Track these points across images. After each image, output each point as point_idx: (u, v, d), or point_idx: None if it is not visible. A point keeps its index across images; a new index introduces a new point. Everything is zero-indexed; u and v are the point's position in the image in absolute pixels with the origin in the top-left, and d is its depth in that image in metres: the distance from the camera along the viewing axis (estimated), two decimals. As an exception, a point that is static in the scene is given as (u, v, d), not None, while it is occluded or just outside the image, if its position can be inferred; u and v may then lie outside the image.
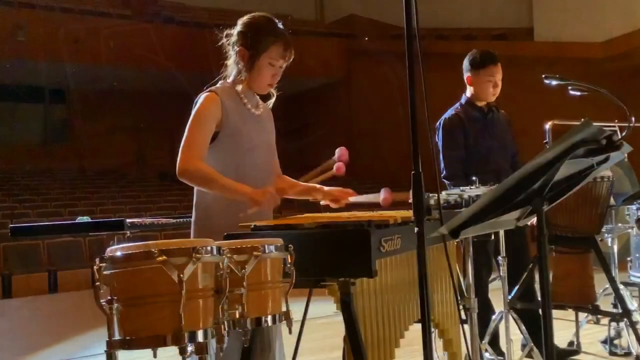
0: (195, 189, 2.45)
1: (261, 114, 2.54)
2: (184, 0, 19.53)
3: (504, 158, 3.80)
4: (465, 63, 3.77)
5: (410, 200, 1.76)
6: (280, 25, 2.48)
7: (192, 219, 2.47)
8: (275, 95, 2.58)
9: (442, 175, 3.69)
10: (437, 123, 3.77)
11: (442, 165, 3.70)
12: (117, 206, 13.83)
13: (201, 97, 2.42)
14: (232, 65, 2.50)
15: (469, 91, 3.80)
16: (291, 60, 2.49)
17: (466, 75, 3.78)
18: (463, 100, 3.82)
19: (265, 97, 2.60)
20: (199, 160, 2.32)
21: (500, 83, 3.75)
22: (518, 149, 3.94)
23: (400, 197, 2.37)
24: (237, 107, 2.44)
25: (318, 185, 2.63)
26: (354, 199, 2.56)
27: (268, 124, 2.59)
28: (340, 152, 2.52)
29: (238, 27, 2.49)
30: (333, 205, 2.59)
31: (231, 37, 2.49)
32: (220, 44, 2.52)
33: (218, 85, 2.50)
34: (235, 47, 2.46)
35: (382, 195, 2.41)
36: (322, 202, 2.63)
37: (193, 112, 2.40)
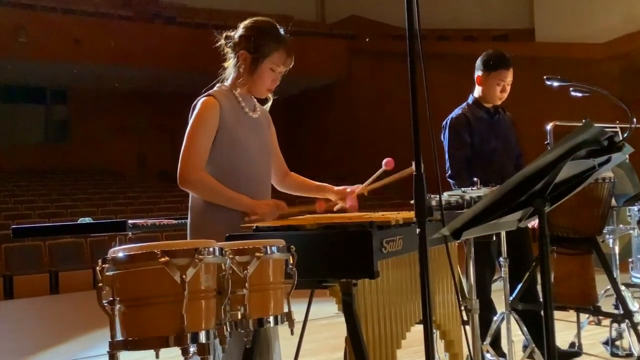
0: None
1: (258, 117, 2.54)
2: (185, 1, 19.55)
3: (509, 159, 3.79)
4: (478, 62, 3.76)
5: (412, 202, 1.76)
6: (282, 31, 2.48)
7: (188, 222, 2.47)
8: (272, 99, 2.59)
9: (446, 174, 3.68)
10: (444, 122, 3.76)
11: (447, 164, 3.70)
12: (118, 207, 13.85)
13: (199, 102, 2.41)
14: (230, 68, 2.49)
15: (477, 91, 3.79)
16: (291, 66, 2.49)
17: (477, 74, 3.76)
18: (470, 100, 3.81)
19: (262, 101, 2.60)
20: (200, 170, 2.34)
21: (509, 88, 3.73)
22: (522, 150, 3.93)
23: (404, 173, 2.39)
24: (235, 111, 2.44)
25: (328, 185, 2.64)
26: (362, 188, 2.57)
27: (265, 127, 2.59)
28: (387, 161, 2.53)
29: (240, 31, 2.47)
30: (344, 204, 2.59)
31: (232, 40, 2.47)
32: (218, 44, 2.50)
33: (216, 88, 2.49)
34: (237, 51, 2.45)
35: (384, 163, 2.44)
36: (336, 207, 2.63)
37: (192, 118, 2.39)
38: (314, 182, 2.71)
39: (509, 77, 3.71)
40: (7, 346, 6.16)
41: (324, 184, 2.69)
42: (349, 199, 2.60)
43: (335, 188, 2.64)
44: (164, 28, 17.66)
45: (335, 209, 2.59)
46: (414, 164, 2.37)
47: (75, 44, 15.51)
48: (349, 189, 2.61)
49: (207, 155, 2.36)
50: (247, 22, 2.49)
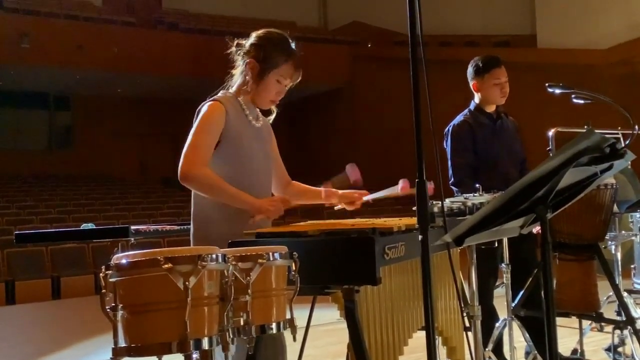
0: (194, 199, 2.43)
1: (261, 126, 2.54)
2: (188, 7, 19.61)
3: (513, 165, 3.79)
4: (469, 71, 3.77)
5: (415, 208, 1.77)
6: (293, 45, 2.49)
7: (191, 230, 2.46)
8: (275, 112, 2.58)
9: (450, 181, 3.68)
10: (446, 129, 3.76)
11: (450, 171, 3.70)
12: (121, 212, 13.86)
13: (205, 105, 2.41)
14: (237, 75, 2.50)
15: (477, 98, 3.79)
16: (298, 81, 2.50)
17: (472, 82, 3.77)
18: (472, 107, 3.81)
19: (266, 113, 2.60)
20: (203, 165, 2.31)
21: (508, 86, 3.74)
22: (526, 156, 3.93)
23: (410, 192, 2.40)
24: (239, 117, 2.44)
25: (332, 190, 2.64)
26: (370, 196, 2.57)
27: (267, 137, 2.59)
28: (352, 169, 2.54)
29: (252, 40, 2.48)
30: (349, 208, 2.59)
31: (242, 48, 2.47)
32: (229, 52, 2.50)
33: (220, 94, 2.49)
34: (246, 58, 2.45)
35: (400, 184, 2.45)
36: (337, 207, 2.63)
37: (198, 119, 2.39)
38: (317, 188, 2.71)
39: (504, 75, 3.71)
40: (9, 352, 6.17)
41: (327, 189, 2.68)
42: (354, 202, 2.61)
43: (340, 192, 2.63)
44: (166, 34, 17.70)
45: (335, 208, 2.58)
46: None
47: (78, 50, 15.55)
48: (355, 194, 2.61)
49: (210, 154, 2.35)
50: (260, 31, 2.50)
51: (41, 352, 5.95)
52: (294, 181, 2.73)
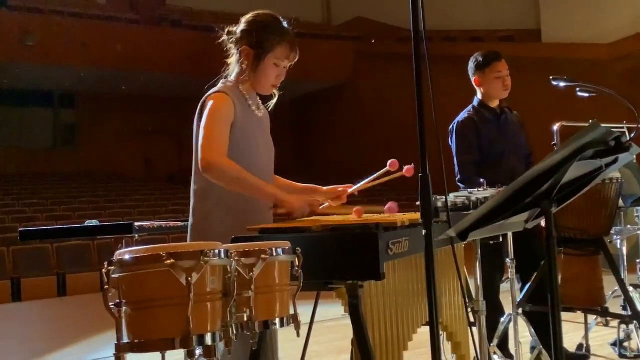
0: (194, 192, 2.39)
1: (262, 116, 2.49)
2: (192, 4, 19.60)
3: (518, 159, 3.77)
4: (470, 67, 3.76)
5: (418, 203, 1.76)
6: (285, 25, 2.42)
7: (190, 224, 2.41)
8: (277, 95, 2.51)
9: (456, 179, 3.67)
10: (450, 127, 3.75)
11: (456, 169, 3.69)
12: (125, 209, 13.87)
13: (212, 97, 2.35)
14: (234, 64, 2.44)
15: (480, 93, 3.78)
16: (295, 60, 2.43)
17: (473, 78, 3.76)
18: (475, 103, 3.80)
19: (267, 98, 2.54)
20: (222, 155, 2.24)
21: (509, 78, 3.72)
22: (532, 149, 3.92)
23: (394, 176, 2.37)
24: (243, 108, 2.39)
25: (316, 186, 2.60)
26: (354, 188, 2.52)
27: (266, 127, 2.55)
28: (391, 162, 2.48)
29: (242, 26, 2.42)
30: (334, 204, 2.53)
31: (234, 35, 2.42)
32: (221, 41, 2.44)
33: (221, 84, 2.43)
34: (239, 46, 2.40)
35: (389, 163, 2.41)
36: (322, 206, 2.57)
37: (207, 111, 2.31)
38: (300, 184, 2.64)
39: (505, 68, 3.70)
40: (15, 349, 6.19)
41: (312, 185, 2.62)
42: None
43: (324, 188, 2.56)
44: (170, 31, 17.70)
45: (321, 208, 2.50)
46: (405, 167, 2.39)
47: (82, 48, 15.57)
48: (339, 188, 2.53)
49: (227, 144, 2.27)
50: (248, 16, 2.44)
51: (47, 349, 5.96)
52: (276, 176, 2.63)
